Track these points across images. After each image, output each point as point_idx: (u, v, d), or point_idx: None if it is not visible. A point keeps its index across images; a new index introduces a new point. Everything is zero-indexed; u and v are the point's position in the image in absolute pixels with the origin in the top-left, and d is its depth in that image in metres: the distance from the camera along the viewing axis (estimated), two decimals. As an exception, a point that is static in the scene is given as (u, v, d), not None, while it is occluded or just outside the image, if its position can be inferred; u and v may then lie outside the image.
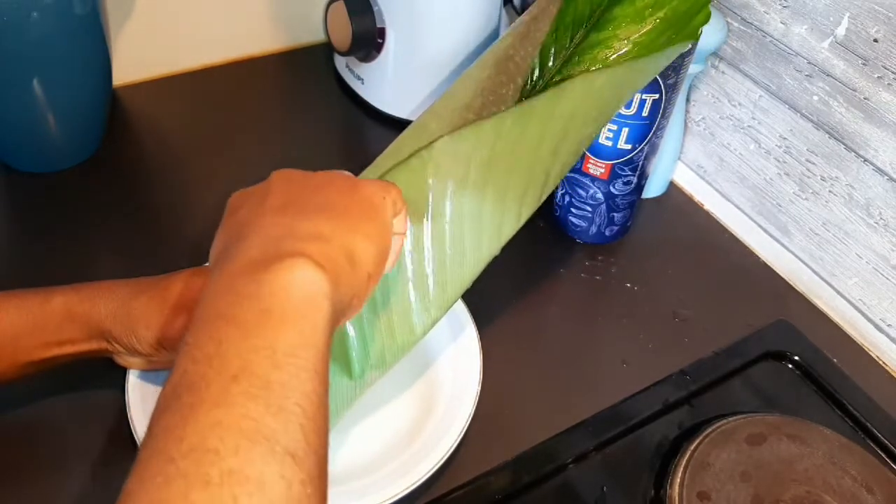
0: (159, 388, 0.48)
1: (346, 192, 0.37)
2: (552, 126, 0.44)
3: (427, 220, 0.43)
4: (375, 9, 0.68)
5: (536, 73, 0.46)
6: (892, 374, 0.59)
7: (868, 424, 0.53)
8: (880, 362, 0.59)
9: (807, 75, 0.58)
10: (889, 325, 0.59)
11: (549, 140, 0.44)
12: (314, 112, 0.76)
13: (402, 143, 0.45)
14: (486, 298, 0.59)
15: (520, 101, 0.46)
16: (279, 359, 0.28)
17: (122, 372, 0.48)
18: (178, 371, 0.28)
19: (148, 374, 0.48)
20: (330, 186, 0.37)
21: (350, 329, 0.44)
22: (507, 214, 0.45)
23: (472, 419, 0.48)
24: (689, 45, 0.49)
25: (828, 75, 0.57)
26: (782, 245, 0.65)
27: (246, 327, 0.28)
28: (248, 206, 0.36)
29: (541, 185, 0.45)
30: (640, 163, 0.59)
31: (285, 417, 0.26)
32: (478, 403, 0.49)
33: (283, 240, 0.32)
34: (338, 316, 0.33)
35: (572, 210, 0.64)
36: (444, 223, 0.43)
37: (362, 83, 0.74)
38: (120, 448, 0.46)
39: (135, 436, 0.45)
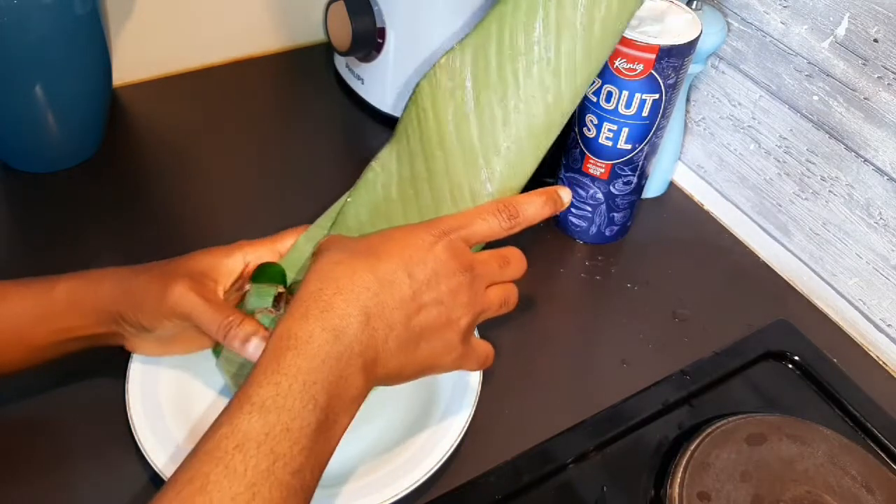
0: (159, 389, 0.48)
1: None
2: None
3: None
4: (375, 9, 0.68)
5: None
6: (892, 374, 0.59)
7: (868, 424, 0.53)
8: (880, 362, 0.59)
9: (807, 75, 0.58)
10: (889, 325, 0.59)
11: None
12: (314, 112, 0.76)
13: None
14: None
15: None
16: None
17: (123, 372, 0.48)
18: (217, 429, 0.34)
19: (148, 375, 0.48)
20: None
21: None
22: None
23: (472, 419, 0.48)
24: None
25: (828, 75, 0.57)
26: (782, 245, 0.65)
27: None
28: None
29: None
30: (640, 163, 0.59)
31: None
32: (478, 403, 0.49)
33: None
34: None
35: (572, 210, 0.64)
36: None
37: (362, 83, 0.74)
38: (120, 449, 0.46)
39: (135, 436, 0.45)
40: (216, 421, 0.34)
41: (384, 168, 0.46)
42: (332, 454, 0.37)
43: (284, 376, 0.35)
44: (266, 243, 0.46)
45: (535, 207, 0.44)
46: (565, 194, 0.46)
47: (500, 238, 0.43)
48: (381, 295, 0.38)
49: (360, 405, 0.38)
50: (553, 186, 0.45)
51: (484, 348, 0.45)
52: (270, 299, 0.44)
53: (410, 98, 0.45)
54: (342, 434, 0.37)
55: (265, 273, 0.45)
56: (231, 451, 0.32)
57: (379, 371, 0.39)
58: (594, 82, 0.55)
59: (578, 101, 0.45)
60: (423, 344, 0.40)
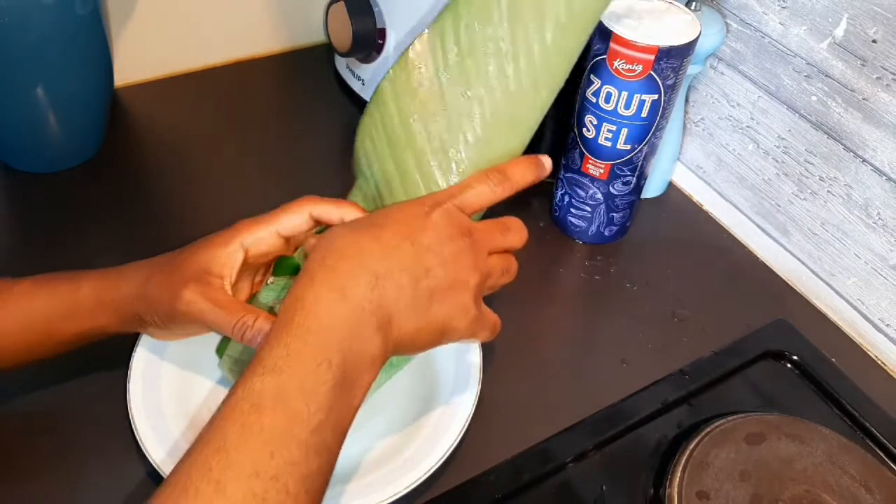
0: (159, 389, 0.48)
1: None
2: None
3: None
4: (376, 9, 0.68)
5: None
6: (891, 373, 0.59)
7: (867, 424, 0.53)
8: (879, 362, 0.59)
9: (805, 76, 0.59)
10: (888, 325, 0.59)
11: None
12: (314, 112, 0.76)
13: None
14: (485, 298, 0.59)
15: None
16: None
17: (124, 371, 0.48)
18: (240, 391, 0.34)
19: (148, 374, 0.49)
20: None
21: None
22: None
23: (472, 419, 0.48)
24: None
25: (826, 76, 0.57)
26: (781, 245, 0.65)
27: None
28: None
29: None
30: (640, 163, 0.59)
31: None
32: (478, 403, 0.49)
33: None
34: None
35: (572, 210, 0.64)
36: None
37: (362, 84, 0.74)
38: (121, 447, 0.46)
39: (136, 435, 0.45)
40: (231, 389, 0.34)
41: (361, 173, 0.47)
42: (354, 415, 0.37)
43: (294, 338, 0.35)
44: (262, 223, 0.45)
45: (521, 170, 0.45)
46: (547, 161, 0.47)
47: (492, 204, 0.44)
48: (387, 259, 0.38)
49: (380, 366, 0.38)
50: (535, 155, 0.46)
51: (493, 316, 0.45)
52: (285, 292, 0.44)
53: (371, 101, 0.45)
54: (363, 395, 0.37)
55: (282, 266, 0.46)
56: (247, 411, 0.33)
57: (395, 332, 0.39)
58: (592, 82, 0.56)
59: (545, 92, 0.45)
60: (436, 306, 0.40)
